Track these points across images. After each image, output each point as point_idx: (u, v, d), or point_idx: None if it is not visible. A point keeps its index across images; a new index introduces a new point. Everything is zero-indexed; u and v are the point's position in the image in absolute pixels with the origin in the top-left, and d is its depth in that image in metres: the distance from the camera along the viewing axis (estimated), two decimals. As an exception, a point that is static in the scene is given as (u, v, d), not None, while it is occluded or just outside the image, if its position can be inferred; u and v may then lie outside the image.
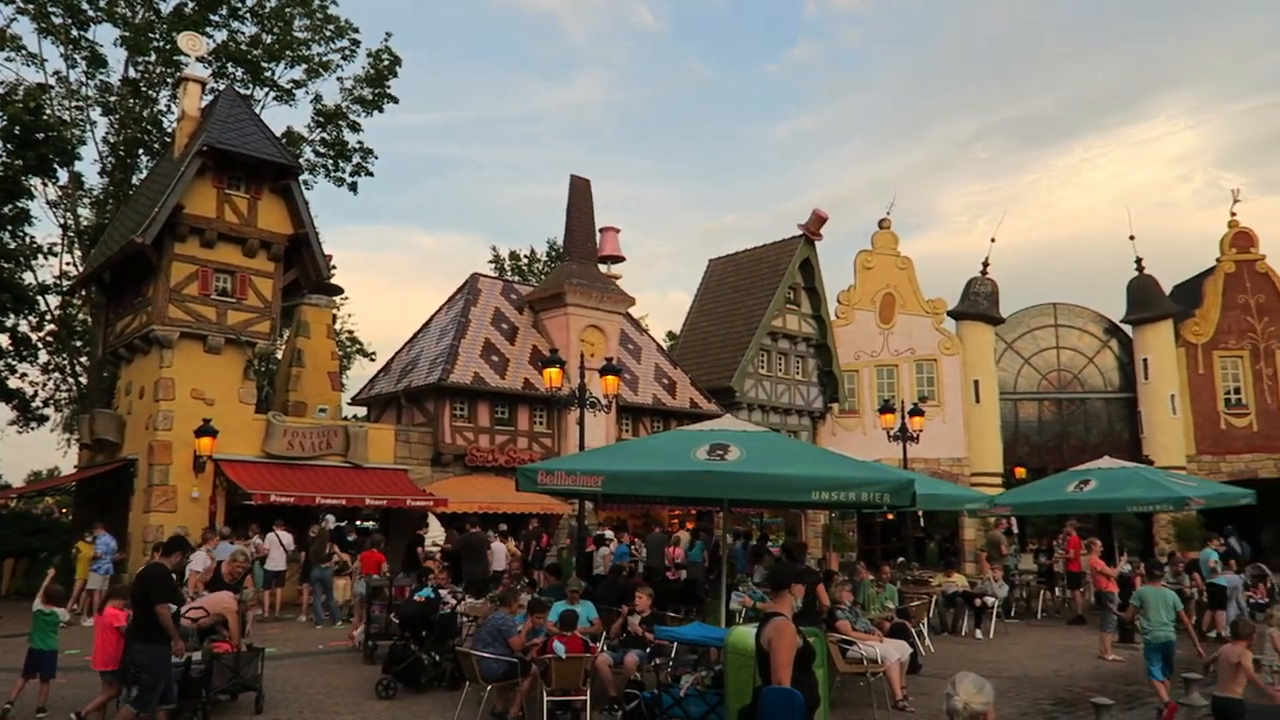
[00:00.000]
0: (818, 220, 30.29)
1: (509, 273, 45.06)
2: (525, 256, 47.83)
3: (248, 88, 29.41)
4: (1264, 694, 8.68)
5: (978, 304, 32.47)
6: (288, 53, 30.10)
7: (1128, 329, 33.52)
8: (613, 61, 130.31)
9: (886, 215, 33.00)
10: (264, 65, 29.91)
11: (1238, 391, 32.86)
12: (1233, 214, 34.26)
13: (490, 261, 47.15)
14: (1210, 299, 33.23)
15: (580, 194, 27.40)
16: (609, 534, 19.88)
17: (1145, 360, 32.65)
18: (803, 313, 31.10)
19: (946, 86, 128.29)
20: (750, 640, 5.93)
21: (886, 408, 23.31)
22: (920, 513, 29.19)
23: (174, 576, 8.53)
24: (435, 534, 18.97)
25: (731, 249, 33.83)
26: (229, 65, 29.40)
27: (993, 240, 40.63)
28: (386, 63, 31.08)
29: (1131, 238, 34.39)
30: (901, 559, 20.08)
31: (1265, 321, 33.02)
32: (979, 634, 15.99)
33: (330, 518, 18.06)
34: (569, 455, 20.51)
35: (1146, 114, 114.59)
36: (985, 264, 33.01)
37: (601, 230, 29.82)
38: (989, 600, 16.27)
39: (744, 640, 6.62)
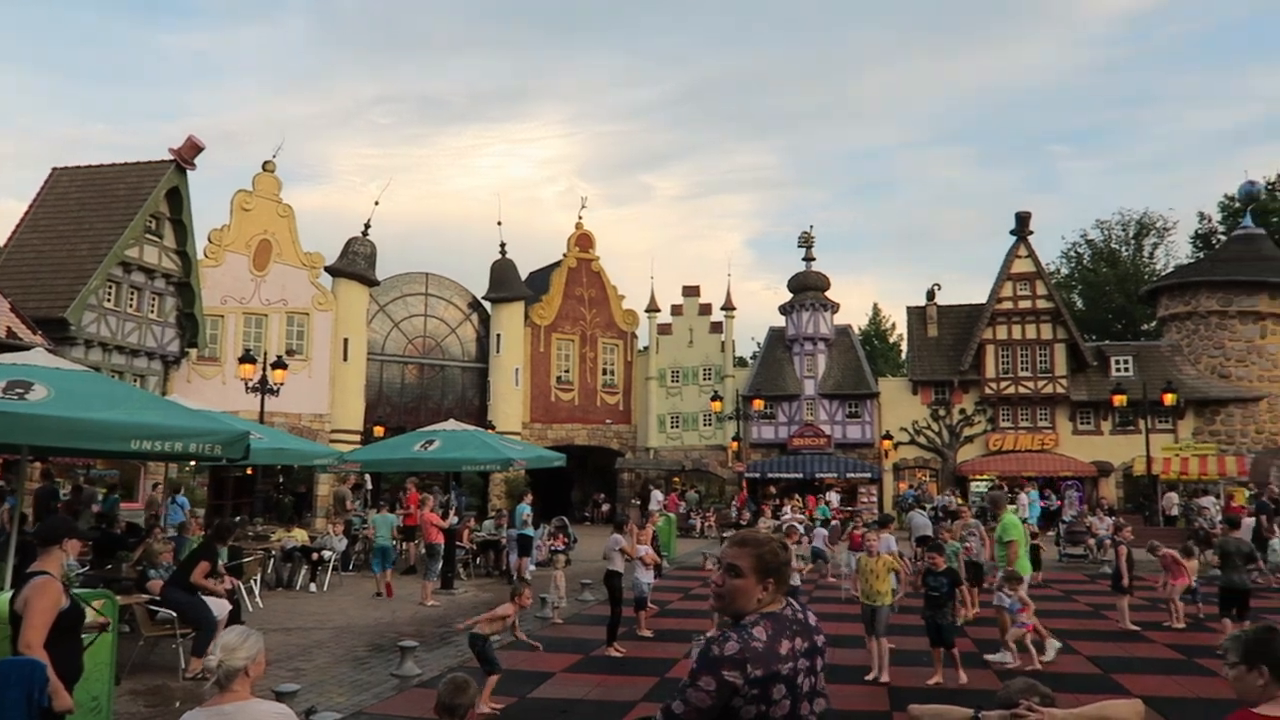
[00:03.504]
0: (192, 148, 27.65)
1: None
2: None
3: None
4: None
5: (356, 264, 32.80)
6: None
7: (488, 305, 36.83)
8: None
9: (271, 159, 31.52)
10: None
11: (567, 371, 38.24)
12: (580, 218, 39.82)
13: None
14: (555, 288, 38.13)
15: None
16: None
17: (499, 336, 36.22)
18: (165, 246, 28.14)
19: (353, 44, 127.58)
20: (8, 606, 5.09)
21: (247, 358, 22.28)
22: (280, 468, 28.58)
23: None
24: None
25: (95, 162, 29.08)
26: None
27: (376, 203, 41.48)
28: None
29: (499, 223, 38.39)
30: (240, 516, 19.37)
31: (594, 313, 38.95)
32: (314, 587, 16.16)
33: None
34: None
35: (528, 116, 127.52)
36: (367, 225, 33.51)
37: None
38: (326, 554, 16.52)
39: (5, 607, 5.69)
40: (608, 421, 38.86)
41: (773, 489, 34.88)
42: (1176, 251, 57.10)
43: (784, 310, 38.27)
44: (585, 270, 39.07)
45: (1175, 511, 30.08)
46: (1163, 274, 47.40)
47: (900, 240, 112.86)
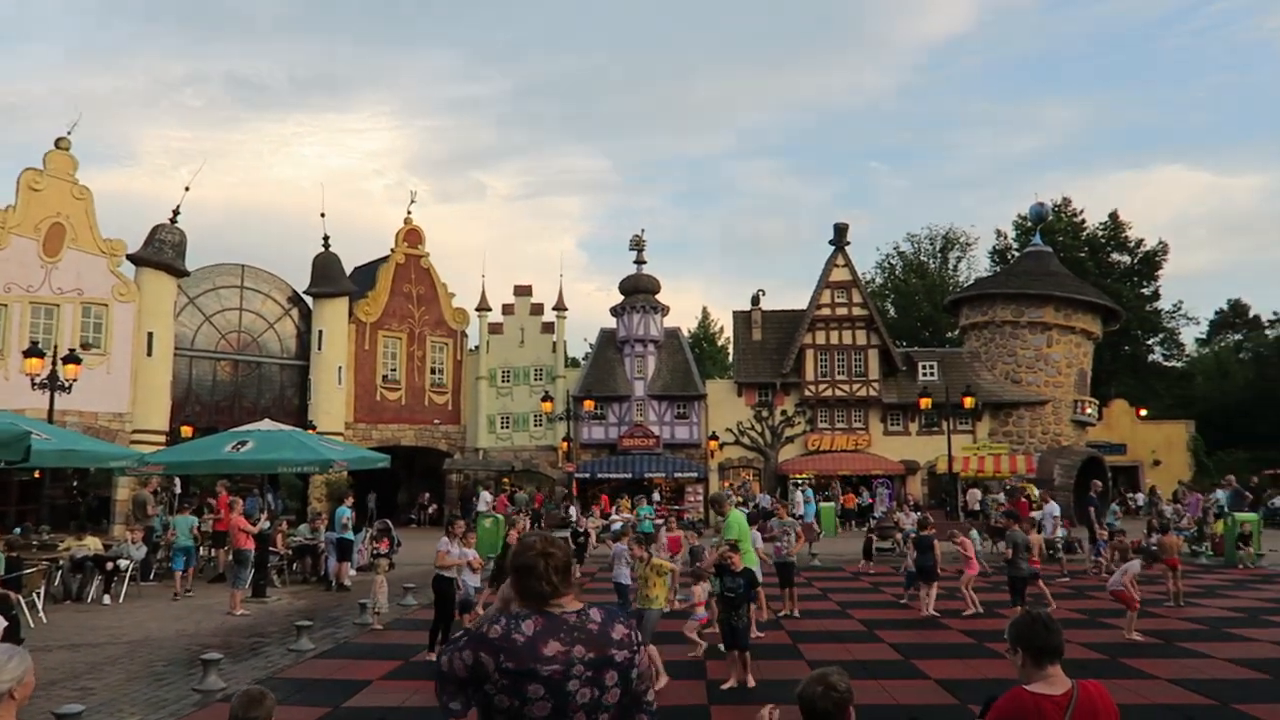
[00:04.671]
0: (-26, 120, 25.14)
1: None
2: None
3: None
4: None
5: (163, 252, 30.67)
6: None
7: (309, 300, 35.29)
8: None
9: (66, 135, 28.99)
10: None
11: (394, 369, 37.17)
12: (409, 213, 38.82)
13: None
14: (382, 284, 37.00)
15: None
16: None
17: (321, 332, 34.78)
18: (-61, 227, 25.46)
19: (160, 16, 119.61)
20: None
21: (34, 351, 20.41)
22: (73, 471, 26.31)
23: None
24: None
25: None
26: None
27: (186, 189, 38.88)
28: None
29: (322, 215, 36.66)
30: (26, 524, 17.74)
31: (423, 310, 38.05)
32: (108, 599, 14.99)
33: None
34: None
35: (354, 106, 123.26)
36: (176, 212, 31.38)
37: None
38: (122, 563, 15.36)
39: None
40: (436, 422, 38.04)
41: (564, 489, 35.10)
42: (977, 265, 61.65)
43: (615, 312, 38.61)
44: (414, 266, 38.11)
45: (977, 507, 32.32)
46: (964, 286, 50.96)
47: (728, 246, 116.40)
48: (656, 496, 33.74)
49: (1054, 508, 20.47)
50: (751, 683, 9.13)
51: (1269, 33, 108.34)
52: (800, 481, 35.12)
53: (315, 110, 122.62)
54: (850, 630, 12.66)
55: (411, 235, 38.35)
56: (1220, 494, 28.77)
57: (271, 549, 16.93)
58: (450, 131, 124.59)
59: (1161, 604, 14.37)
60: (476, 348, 39.32)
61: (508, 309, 39.26)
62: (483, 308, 39.08)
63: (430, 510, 37.14)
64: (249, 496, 23.35)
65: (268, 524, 16.08)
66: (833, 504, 32.32)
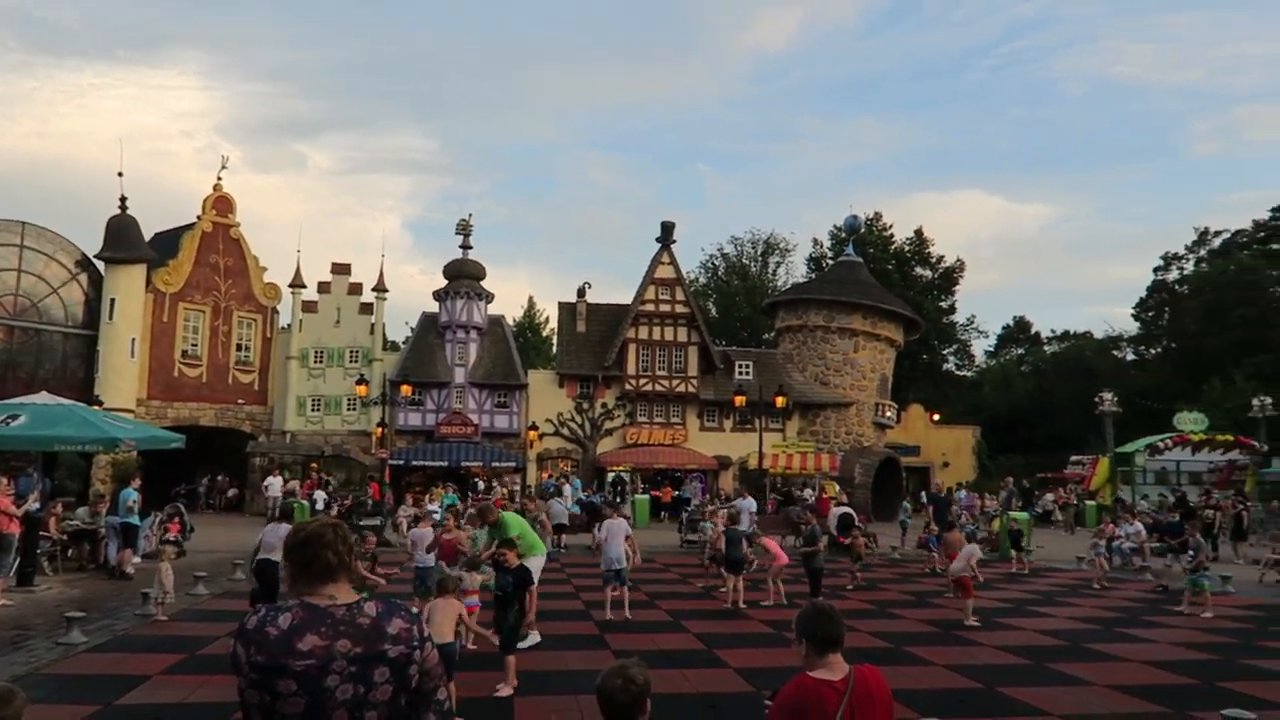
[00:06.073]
0: None
1: None
2: None
3: None
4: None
5: (-73, 202, 27.52)
6: None
7: (101, 265, 32.59)
8: None
9: None
10: None
11: (195, 345, 34.87)
12: (219, 179, 36.49)
13: None
14: (186, 252, 34.59)
15: None
16: None
17: (113, 300, 32.18)
18: None
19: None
20: None
21: None
22: None
23: None
24: None
25: None
26: None
27: (-35, 136, 34.97)
28: None
29: (120, 174, 33.89)
30: None
31: (230, 283, 35.87)
32: None
33: None
34: None
35: (163, 62, 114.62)
36: (-54, 158, 28.23)
37: None
38: None
39: None
40: (240, 401, 35.98)
41: (338, 479, 34.28)
42: (795, 271, 64.27)
43: (438, 296, 37.76)
44: (222, 236, 35.85)
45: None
46: (782, 290, 53.06)
47: (557, 237, 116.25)
48: (481, 485, 33.22)
49: (750, 503, 21.55)
50: (507, 690, 8.48)
51: (1058, 73, 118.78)
52: (623, 475, 35.60)
53: (119, 62, 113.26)
54: (657, 620, 12.90)
55: (221, 203, 36.07)
56: (962, 494, 32.20)
57: (43, 533, 15.53)
58: (269, 98, 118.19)
59: (942, 594, 15.44)
60: (288, 326, 37.48)
61: (324, 287, 37.62)
62: (297, 284, 37.28)
63: (230, 495, 35.17)
64: (21, 476, 21.40)
65: (36, 505, 14.71)
66: (646, 497, 32.86)
